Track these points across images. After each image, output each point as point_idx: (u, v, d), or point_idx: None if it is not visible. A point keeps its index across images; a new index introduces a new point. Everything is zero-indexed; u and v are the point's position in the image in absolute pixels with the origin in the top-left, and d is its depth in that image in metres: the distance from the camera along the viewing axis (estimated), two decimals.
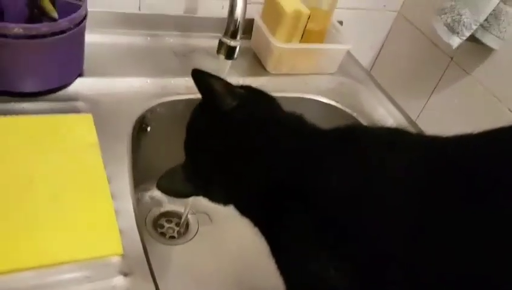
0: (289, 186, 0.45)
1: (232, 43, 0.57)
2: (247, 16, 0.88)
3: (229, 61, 0.59)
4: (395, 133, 0.47)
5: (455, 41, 0.81)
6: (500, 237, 0.37)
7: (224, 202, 0.51)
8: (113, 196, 0.55)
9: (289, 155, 0.47)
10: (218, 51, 0.58)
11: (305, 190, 0.44)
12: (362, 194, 0.42)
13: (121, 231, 0.51)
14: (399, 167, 0.43)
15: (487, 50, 0.85)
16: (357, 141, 0.47)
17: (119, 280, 0.47)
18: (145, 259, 0.50)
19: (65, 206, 0.52)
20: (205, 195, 0.52)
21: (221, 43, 0.58)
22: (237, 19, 0.57)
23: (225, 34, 0.58)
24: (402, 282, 0.40)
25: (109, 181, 0.56)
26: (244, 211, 0.50)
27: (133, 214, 0.54)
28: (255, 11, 0.87)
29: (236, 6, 0.57)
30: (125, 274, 0.48)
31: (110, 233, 0.50)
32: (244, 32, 0.90)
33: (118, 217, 0.52)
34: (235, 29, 0.57)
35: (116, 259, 0.49)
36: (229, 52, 0.58)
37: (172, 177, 0.51)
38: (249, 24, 0.89)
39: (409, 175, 0.42)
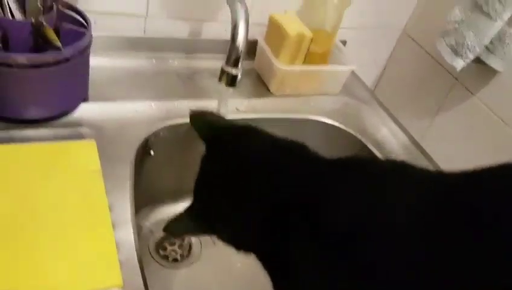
0: (293, 207, 0.45)
1: (234, 71, 0.58)
2: (251, 37, 0.90)
3: (231, 89, 0.59)
4: (401, 165, 0.48)
5: (459, 63, 0.80)
6: (499, 264, 0.37)
7: (229, 235, 0.51)
8: (114, 225, 0.55)
9: (292, 176, 0.47)
10: (220, 79, 0.59)
11: (310, 213, 0.45)
12: (369, 221, 0.42)
13: (121, 262, 0.51)
14: (405, 195, 0.43)
15: (492, 71, 0.85)
16: (363, 168, 0.47)
17: None
18: None
19: (66, 236, 0.52)
20: (211, 231, 0.51)
21: (222, 71, 0.58)
22: (239, 47, 0.58)
23: (227, 62, 0.58)
24: None
25: (111, 209, 0.57)
26: (247, 243, 0.50)
27: (133, 244, 0.54)
28: (258, 33, 0.88)
29: (237, 34, 0.57)
30: None
31: (110, 264, 0.50)
32: (248, 53, 0.92)
33: (119, 248, 0.53)
34: (237, 57, 0.58)
35: None
36: (231, 80, 0.58)
37: (178, 220, 0.51)
38: (253, 45, 0.89)
39: (415, 205, 0.42)
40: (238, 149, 0.48)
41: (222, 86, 0.59)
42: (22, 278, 0.47)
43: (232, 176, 0.48)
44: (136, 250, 0.54)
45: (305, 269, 0.44)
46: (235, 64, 0.58)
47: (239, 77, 0.59)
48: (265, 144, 0.50)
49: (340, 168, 0.47)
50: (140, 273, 0.51)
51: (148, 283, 0.51)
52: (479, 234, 0.39)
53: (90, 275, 0.49)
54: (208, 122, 0.51)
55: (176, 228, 0.52)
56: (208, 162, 0.51)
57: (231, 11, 0.59)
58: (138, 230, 0.80)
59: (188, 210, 0.51)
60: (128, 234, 0.55)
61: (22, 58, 0.55)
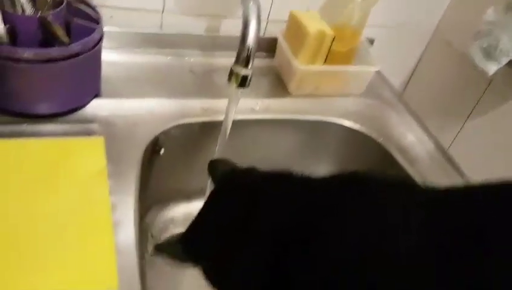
0: (295, 232, 0.43)
1: (244, 71, 0.55)
2: (271, 35, 0.87)
3: (240, 90, 0.57)
4: (401, 182, 0.45)
5: (491, 68, 0.75)
6: None
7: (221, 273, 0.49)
8: (116, 225, 0.54)
9: (292, 202, 0.45)
10: (230, 79, 0.56)
11: (312, 236, 0.42)
12: (374, 247, 0.40)
13: (119, 266, 0.50)
14: (410, 215, 0.40)
15: None
16: (364, 185, 0.44)
17: None
18: None
19: (65, 236, 0.51)
20: (199, 263, 0.50)
21: (231, 72, 0.56)
22: (249, 46, 0.55)
23: (236, 62, 0.55)
24: None
25: (114, 209, 0.55)
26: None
27: (134, 247, 0.53)
28: (278, 30, 0.85)
29: (248, 32, 0.55)
30: None
31: (107, 267, 0.49)
32: (267, 51, 0.89)
33: (118, 250, 0.51)
34: (247, 56, 0.55)
35: None
36: (241, 82, 0.56)
37: (171, 243, 0.50)
38: (273, 42, 0.86)
39: (418, 225, 0.40)
40: (239, 189, 0.47)
41: (232, 87, 0.57)
42: (20, 278, 0.46)
43: (234, 215, 0.46)
44: (137, 253, 0.52)
45: None
46: (246, 64, 0.55)
47: (249, 77, 0.56)
48: (267, 180, 0.48)
49: (340, 188, 0.45)
50: (138, 278, 0.50)
51: (153, 281, 0.49)
52: (488, 255, 0.36)
53: (86, 277, 0.48)
54: (220, 169, 0.51)
55: (166, 250, 0.50)
56: (213, 199, 0.50)
57: (243, 8, 0.56)
58: (146, 229, 0.79)
59: (182, 237, 0.49)
60: (129, 237, 0.54)
61: (28, 53, 0.54)
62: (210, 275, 0.49)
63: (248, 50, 0.55)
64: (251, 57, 0.56)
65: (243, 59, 0.56)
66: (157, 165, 0.73)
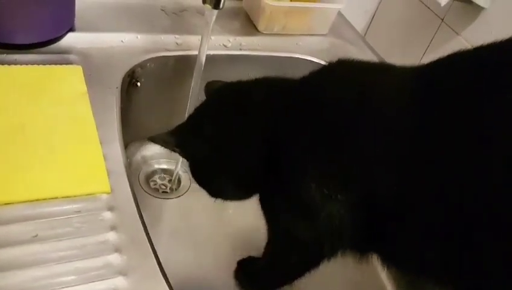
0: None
1: None
2: None
3: (216, 11, 0.60)
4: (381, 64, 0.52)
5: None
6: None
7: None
8: (101, 142, 0.56)
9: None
10: (204, 1, 0.59)
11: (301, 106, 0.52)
12: (357, 110, 0.48)
13: (109, 172, 0.53)
14: (391, 87, 0.50)
15: (477, 8, 0.85)
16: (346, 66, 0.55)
17: (107, 214, 0.49)
18: (131, 197, 0.51)
19: (55, 149, 0.53)
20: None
21: None
22: None
23: None
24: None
25: (98, 128, 0.58)
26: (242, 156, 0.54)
27: (121, 157, 0.56)
28: None
29: None
30: (113, 209, 0.49)
31: (98, 173, 0.52)
32: None
33: (107, 159, 0.54)
34: None
35: (104, 196, 0.51)
36: (216, 1, 0.59)
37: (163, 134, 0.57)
38: None
39: (400, 94, 0.48)
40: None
41: (207, 8, 0.59)
42: (16, 184, 0.48)
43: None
44: (124, 163, 0.55)
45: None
46: None
47: None
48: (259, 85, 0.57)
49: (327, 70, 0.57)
50: (127, 182, 0.53)
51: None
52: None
53: (80, 183, 0.51)
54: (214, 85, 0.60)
55: (158, 138, 0.55)
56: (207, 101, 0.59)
57: None
58: (128, 163, 0.81)
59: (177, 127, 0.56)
60: (115, 150, 0.57)
61: None
62: (196, 172, 0.55)
63: None
64: None
65: None
66: (135, 100, 0.75)
